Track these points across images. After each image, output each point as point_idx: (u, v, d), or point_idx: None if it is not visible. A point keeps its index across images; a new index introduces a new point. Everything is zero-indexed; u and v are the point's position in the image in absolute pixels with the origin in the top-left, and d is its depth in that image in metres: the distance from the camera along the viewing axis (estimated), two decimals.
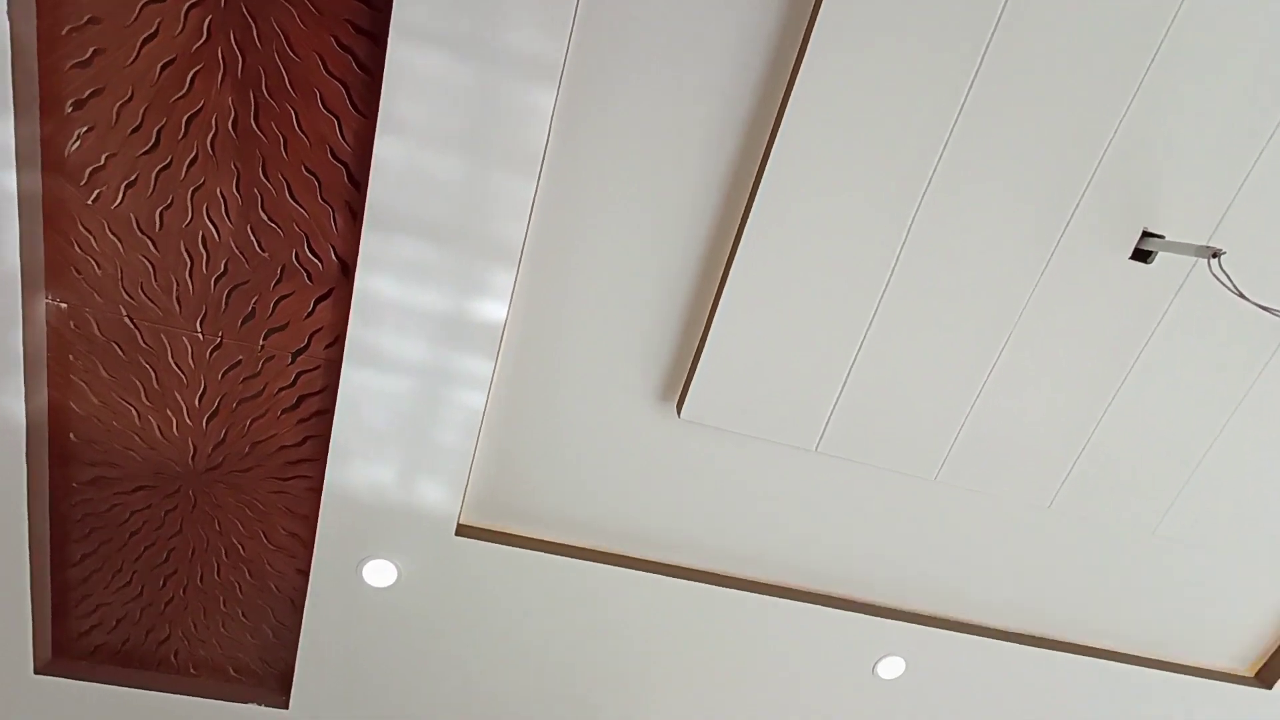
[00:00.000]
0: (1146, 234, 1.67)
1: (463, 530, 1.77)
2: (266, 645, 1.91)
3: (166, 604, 1.83)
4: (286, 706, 1.91)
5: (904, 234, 1.57)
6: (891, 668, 2.07)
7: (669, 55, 1.39)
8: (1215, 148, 1.55)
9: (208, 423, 1.63)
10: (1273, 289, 1.66)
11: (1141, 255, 1.69)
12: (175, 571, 1.79)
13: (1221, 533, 2.03)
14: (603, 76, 1.39)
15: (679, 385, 1.73)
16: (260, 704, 1.90)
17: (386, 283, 1.45)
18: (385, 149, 1.34)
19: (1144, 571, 2.14)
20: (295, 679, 1.87)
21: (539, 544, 1.83)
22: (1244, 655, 2.38)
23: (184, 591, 1.82)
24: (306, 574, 1.79)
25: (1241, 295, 1.63)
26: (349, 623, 1.81)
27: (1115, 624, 2.22)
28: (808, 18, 1.37)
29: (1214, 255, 1.61)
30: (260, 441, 1.67)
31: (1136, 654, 2.25)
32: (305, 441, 1.67)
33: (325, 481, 1.64)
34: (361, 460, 1.63)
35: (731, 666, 2.05)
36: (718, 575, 1.96)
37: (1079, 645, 2.21)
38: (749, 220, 1.52)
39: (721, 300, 1.58)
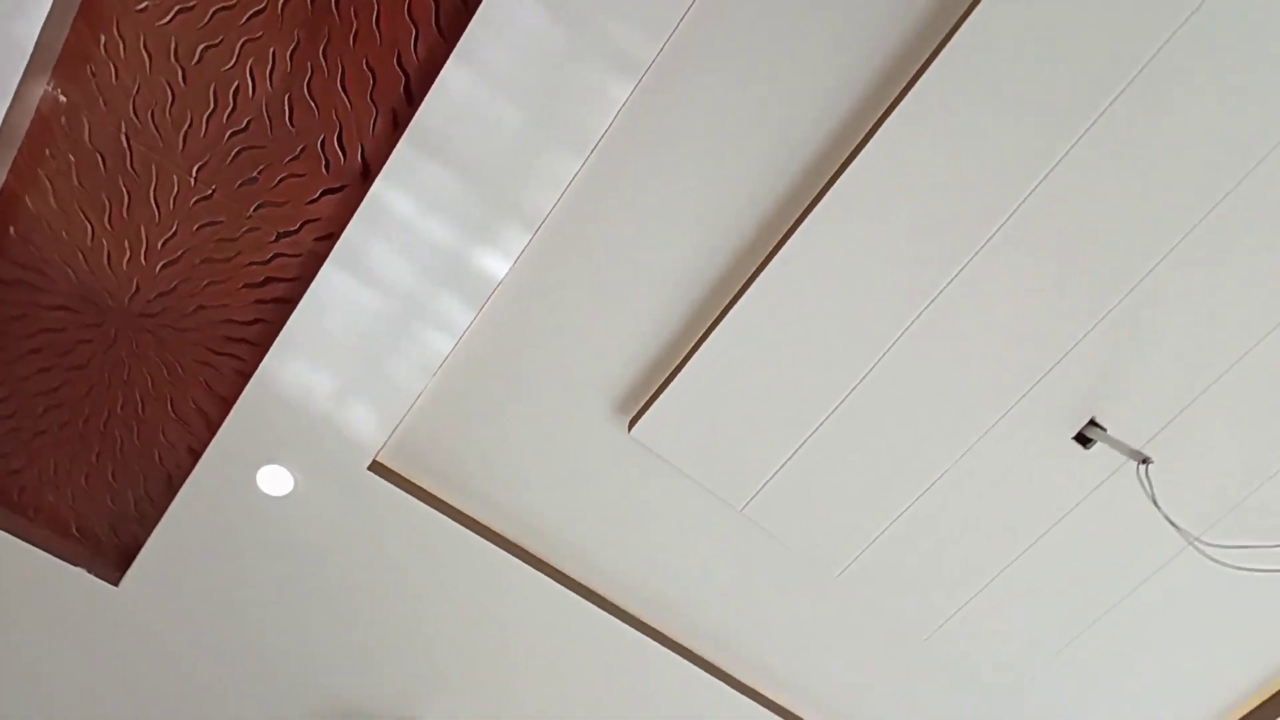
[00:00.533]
0: (1093, 423, 1.81)
1: (376, 467, 1.71)
2: (123, 515, 1.77)
3: (36, 435, 1.69)
4: (116, 584, 1.77)
5: (883, 351, 1.66)
6: None
7: (745, 87, 1.44)
8: (1178, 367, 1.70)
9: (162, 268, 1.55)
10: (1186, 506, 1.80)
11: (1083, 440, 1.82)
12: (60, 405, 1.66)
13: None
14: (679, 84, 1.43)
15: (639, 402, 1.74)
16: (90, 572, 1.75)
17: (403, 199, 1.43)
18: (453, 76, 1.35)
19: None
20: (139, 559, 1.74)
21: (445, 506, 1.78)
22: None
23: (60, 429, 1.69)
24: (198, 455, 1.69)
25: (1155, 504, 1.76)
26: (221, 519, 1.71)
27: None
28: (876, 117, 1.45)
29: (1144, 461, 1.75)
30: (208, 307, 1.59)
31: None
32: (255, 323, 1.60)
33: (260, 367, 1.57)
34: (305, 360, 1.57)
35: (584, 687, 2.01)
36: (601, 598, 1.94)
37: None
38: (758, 277, 1.58)
39: (709, 338, 1.61)
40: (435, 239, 1.48)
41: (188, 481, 1.66)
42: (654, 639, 1.96)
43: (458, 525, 1.78)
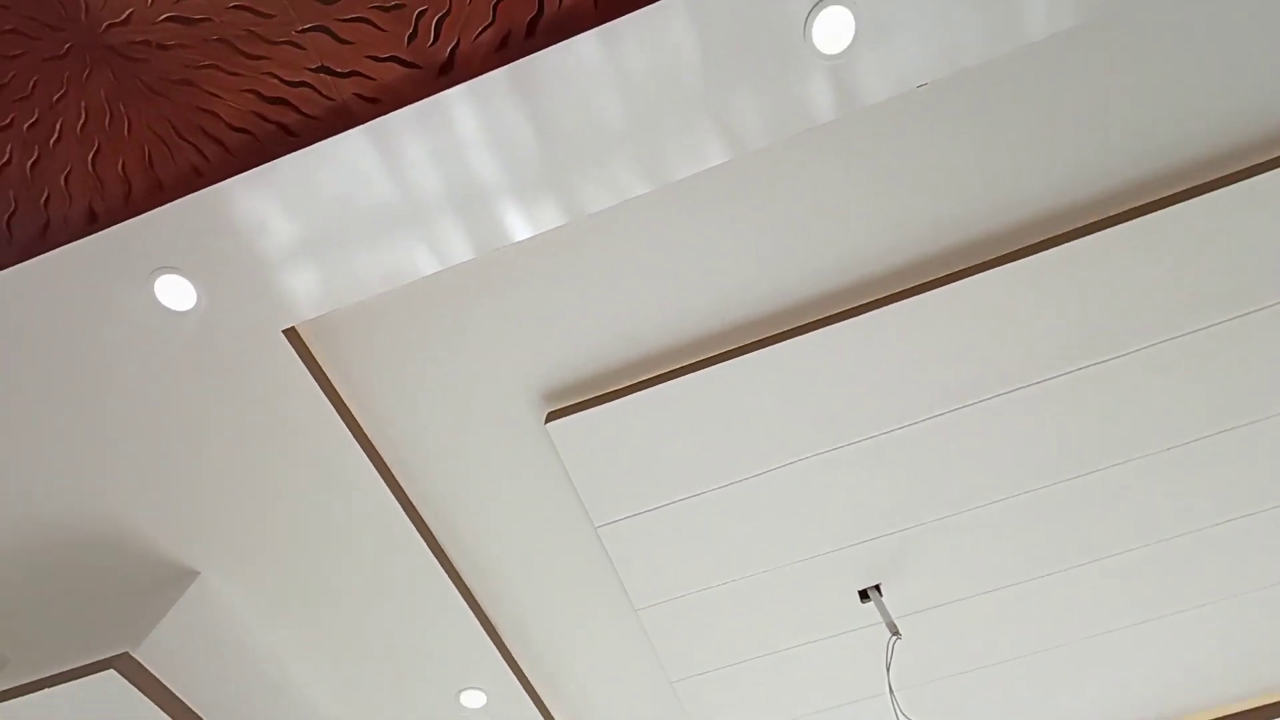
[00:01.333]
0: (876, 588, 2.20)
1: (290, 333, 1.61)
2: None
3: None
4: None
5: (768, 469, 1.90)
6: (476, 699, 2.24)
7: (808, 218, 1.57)
8: (934, 581, 2.14)
9: (167, 20, 1.33)
10: (914, 677, 2.26)
11: (864, 595, 2.22)
12: None
13: None
14: (765, 169, 1.52)
15: (566, 401, 1.81)
16: None
17: (469, 118, 1.37)
18: (585, 46, 1.32)
19: None
20: None
21: (332, 394, 1.72)
22: None
23: None
24: (96, 220, 1.48)
25: (887, 670, 2.20)
26: (93, 299, 1.50)
27: None
28: None
29: (895, 634, 2.17)
30: (196, 87, 1.39)
31: None
32: (241, 132, 1.42)
33: (227, 181, 1.41)
34: (277, 201, 1.43)
35: (371, 586, 2.05)
36: (429, 532, 1.99)
37: None
38: (726, 361, 1.73)
39: (665, 385, 1.74)
40: (476, 171, 1.43)
41: (77, 244, 1.44)
42: (451, 577, 2.04)
43: (335, 414, 1.74)
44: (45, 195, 1.48)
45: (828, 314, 1.73)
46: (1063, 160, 1.60)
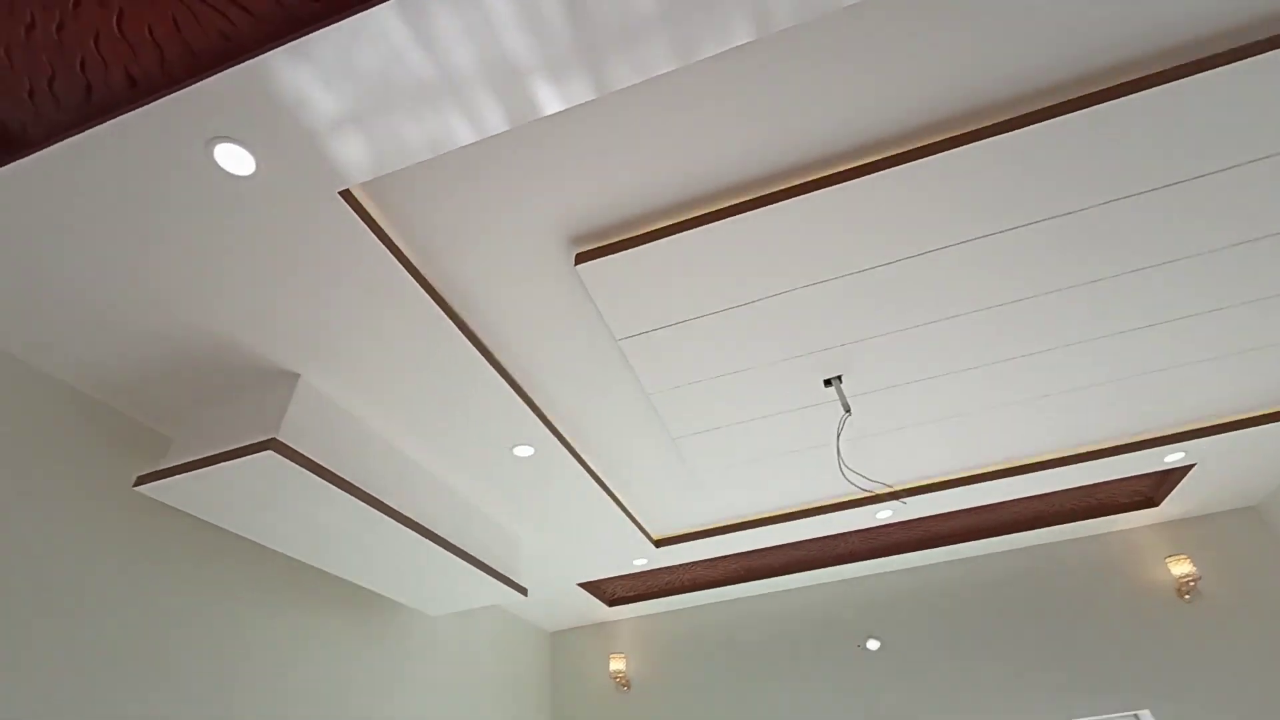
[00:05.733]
0: (838, 378, 2.73)
1: (346, 194, 1.77)
2: (10, 99, 1.54)
3: None
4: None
5: (789, 288, 2.24)
6: (525, 451, 2.93)
7: (856, 77, 1.63)
8: (899, 367, 2.66)
9: None
10: (847, 443, 2.94)
11: (827, 383, 2.76)
12: None
13: None
14: (798, 35, 1.56)
15: (597, 243, 2.05)
16: None
17: None
18: None
19: None
20: (44, 153, 1.59)
21: (389, 243, 1.95)
22: None
23: None
24: (136, 85, 1.53)
25: (837, 437, 2.85)
26: (157, 168, 1.63)
27: None
28: None
29: (847, 411, 2.77)
30: None
31: None
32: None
33: (262, 57, 1.43)
34: (315, 76, 1.47)
35: (429, 380, 2.56)
36: (482, 344, 2.40)
37: None
38: (756, 210, 1.95)
39: (680, 234, 1.98)
40: (511, 47, 1.45)
41: (136, 112, 1.51)
42: (499, 371, 2.53)
43: (392, 258, 1.99)
44: (80, 60, 1.50)
45: (826, 173, 1.88)
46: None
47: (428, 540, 2.75)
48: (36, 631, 1.97)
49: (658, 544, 4.15)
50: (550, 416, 2.86)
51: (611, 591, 5.14)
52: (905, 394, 2.85)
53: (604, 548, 4.05)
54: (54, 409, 2.19)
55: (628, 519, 3.70)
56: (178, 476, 2.14)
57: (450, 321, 2.23)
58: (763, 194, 1.97)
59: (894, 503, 3.81)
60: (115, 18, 1.43)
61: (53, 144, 1.58)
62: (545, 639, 5.58)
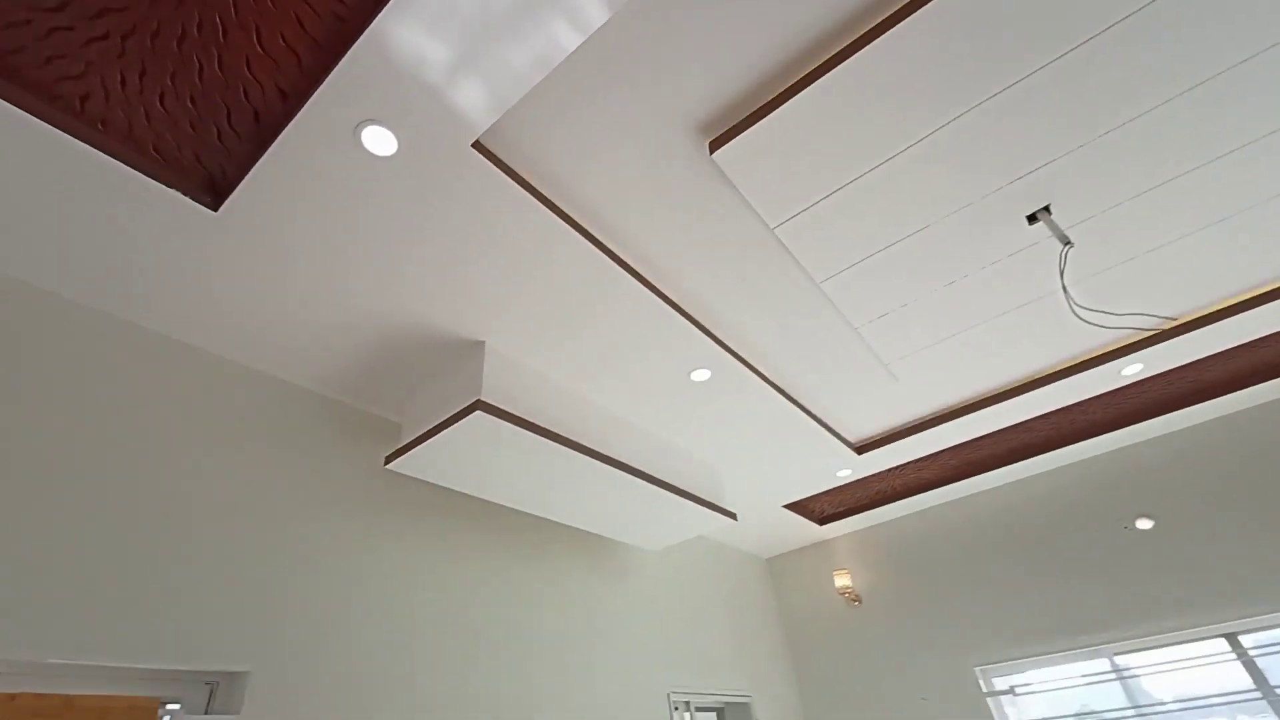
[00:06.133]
0: (1045, 209, 2.29)
1: (478, 146, 1.81)
2: (206, 144, 1.77)
3: (91, 40, 1.54)
4: (215, 209, 1.88)
5: (925, 135, 1.90)
6: (702, 374, 2.90)
7: None
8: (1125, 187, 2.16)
9: None
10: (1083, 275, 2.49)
11: (1032, 219, 2.33)
12: (121, 9, 1.49)
13: None
14: None
15: (727, 124, 1.90)
16: (185, 194, 1.83)
17: None
18: None
19: None
20: (239, 190, 1.83)
21: (531, 189, 1.97)
22: None
23: (125, 39, 1.54)
24: (287, 98, 1.68)
25: (1061, 275, 2.42)
26: (320, 167, 1.79)
27: None
28: None
29: (1067, 243, 2.33)
30: None
31: None
32: None
33: (372, 25, 1.49)
34: (421, 28, 1.50)
35: (603, 323, 2.61)
36: (634, 270, 2.39)
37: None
38: (861, 50, 1.67)
39: (821, 79, 1.76)
40: None
41: (290, 126, 1.67)
42: (652, 291, 2.50)
43: (541, 206, 2.01)
44: (243, 88, 1.67)
45: None
46: None
47: (633, 477, 2.84)
48: (335, 598, 2.37)
49: (859, 450, 3.92)
50: (718, 334, 2.78)
51: (820, 510, 5.02)
52: (1137, 209, 2.31)
53: (803, 463, 3.92)
54: (307, 411, 2.59)
55: (821, 428, 3.53)
56: (414, 450, 2.42)
57: (599, 250, 2.22)
58: (903, 4, 1.66)
59: (1147, 351, 3.16)
60: (255, 36, 1.57)
61: (243, 179, 1.81)
62: (763, 566, 5.64)
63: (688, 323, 2.59)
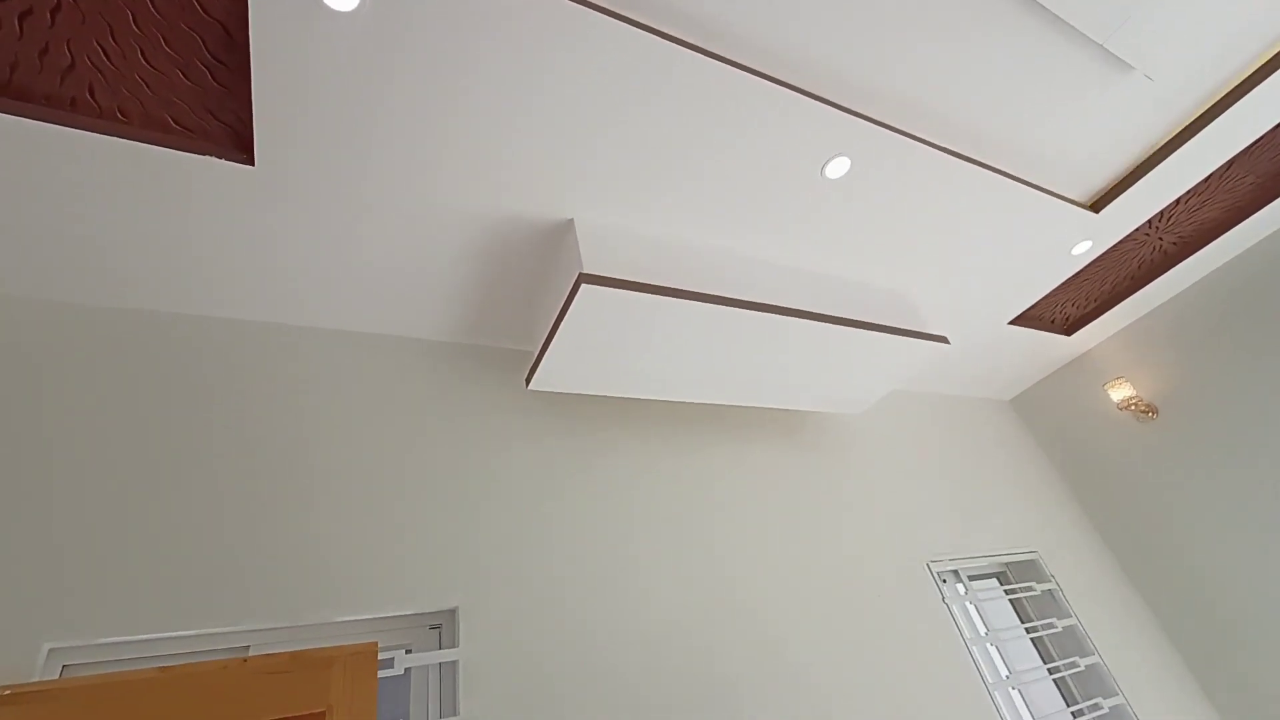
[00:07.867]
0: None
1: None
2: (208, 91, 1.67)
3: (53, 13, 1.47)
4: (252, 162, 1.79)
5: None
6: (838, 168, 2.29)
7: None
8: None
9: None
10: None
11: None
12: None
13: None
14: None
15: None
16: (220, 157, 1.76)
17: None
18: None
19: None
20: (258, 131, 1.71)
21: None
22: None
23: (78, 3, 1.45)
24: None
25: None
26: (306, 54, 1.58)
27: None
28: None
29: None
30: None
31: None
32: None
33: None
34: None
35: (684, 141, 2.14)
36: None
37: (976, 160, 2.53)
38: None
39: None
40: None
41: (251, 25, 1.48)
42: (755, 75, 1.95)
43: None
44: (197, 5, 1.51)
45: None
46: None
47: (793, 318, 2.36)
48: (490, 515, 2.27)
49: (1095, 207, 2.94)
50: (848, 106, 2.13)
51: (1063, 315, 4.00)
52: None
53: (1019, 251, 3.04)
54: (447, 362, 2.53)
55: (1029, 189, 2.66)
56: (545, 361, 2.22)
57: (659, 38, 1.76)
58: None
59: None
60: None
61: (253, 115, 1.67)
62: (1005, 411, 4.71)
63: (790, 91, 1.98)
